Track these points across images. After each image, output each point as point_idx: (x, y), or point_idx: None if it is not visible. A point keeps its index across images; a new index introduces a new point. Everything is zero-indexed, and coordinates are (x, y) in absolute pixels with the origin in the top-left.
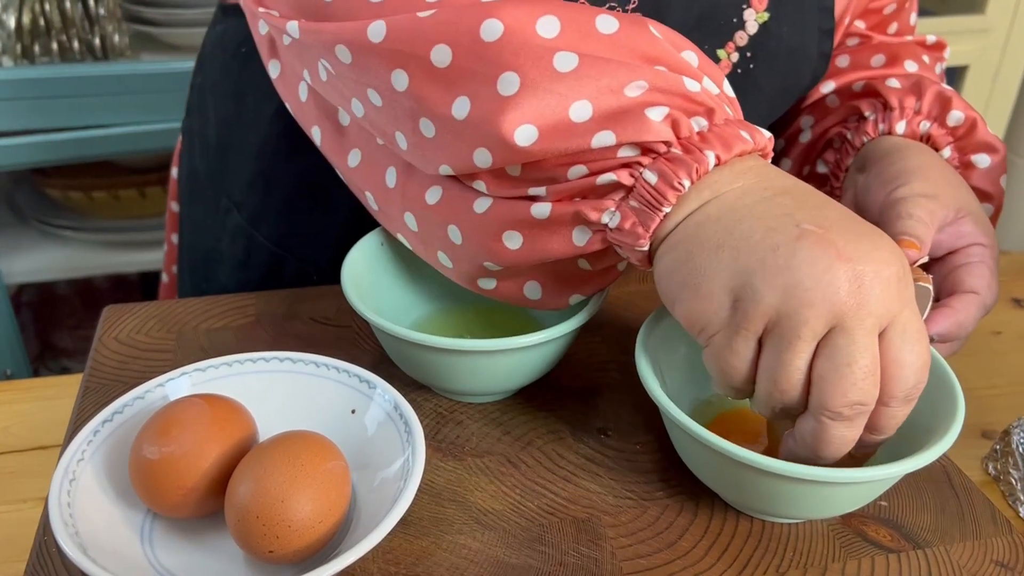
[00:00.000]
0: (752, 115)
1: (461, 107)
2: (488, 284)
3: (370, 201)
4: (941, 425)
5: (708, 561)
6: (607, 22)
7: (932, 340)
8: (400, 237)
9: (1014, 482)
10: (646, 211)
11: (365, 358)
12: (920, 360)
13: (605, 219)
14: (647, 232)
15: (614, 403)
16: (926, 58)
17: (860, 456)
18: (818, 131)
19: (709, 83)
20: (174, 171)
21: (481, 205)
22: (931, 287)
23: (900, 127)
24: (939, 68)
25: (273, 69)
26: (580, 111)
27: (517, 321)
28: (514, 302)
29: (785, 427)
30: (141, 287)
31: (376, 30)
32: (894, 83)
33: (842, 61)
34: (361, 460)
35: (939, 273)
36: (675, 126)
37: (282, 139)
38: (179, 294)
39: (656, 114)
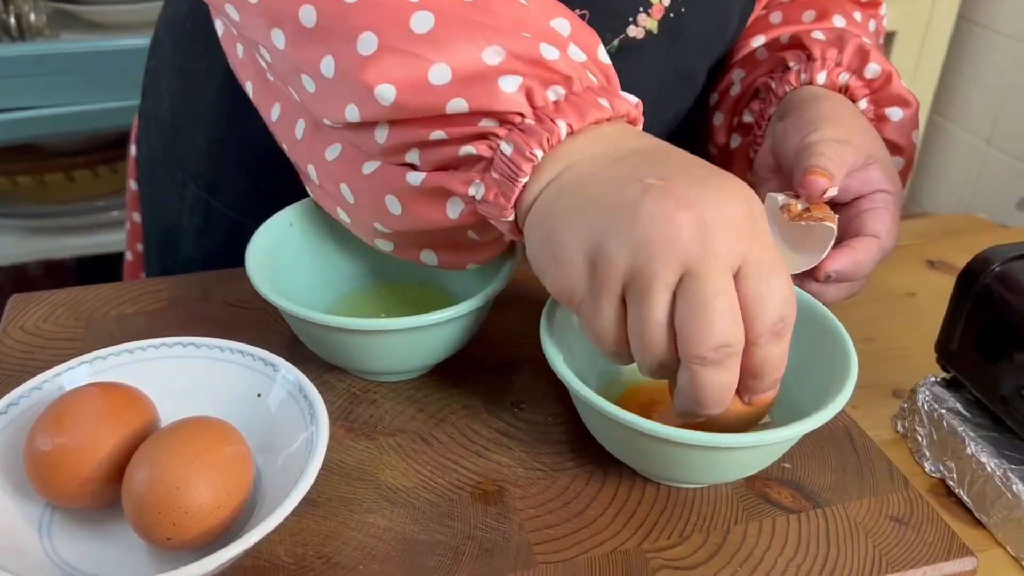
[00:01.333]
0: (685, 58)
1: (327, 65)
2: (385, 246)
3: (287, 151)
4: (835, 386)
5: (614, 528)
6: None
7: (830, 278)
8: (308, 188)
9: (920, 439)
10: (506, 182)
11: (278, 340)
12: (779, 294)
13: (472, 191)
14: (508, 203)
15: (529, 376)
16: (857, 15)
17: (759, 407)
18: (747, 83)
19: (575, 51)
20: (132, 149)
21: (368, 167)
22: (835, 226)
23: (821, 77)
24: (873, 25)
25: (219, 27)
26: (438, 74)
27: (436, 298)
28: (418, 263)
29: None
30: (76, 273)
31: None
32: (819, 35)
33: (775, 17)
34: (267, 443)
35: (844, 217)
36: (529, 95)
37: (231, 105)
38: (147, 273)
39: (509, 84)
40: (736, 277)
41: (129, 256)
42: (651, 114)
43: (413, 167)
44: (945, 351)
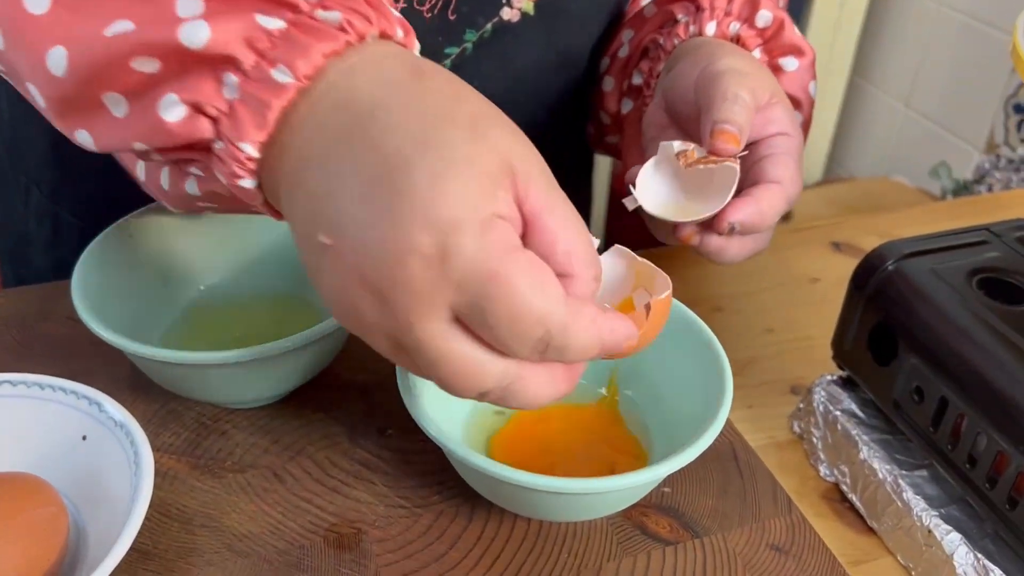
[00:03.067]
0: (565, 38)
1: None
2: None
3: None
4: (709, 418)
5: (478, 572)
6: None
7: (733, 229)
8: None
9: (815, 441)
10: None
11: (124, 363)
12: (519, 324)
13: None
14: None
15: (399, 396)
16: None
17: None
18: (635, 43)
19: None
20: None
21: None
22: (737, 166)
23: (710, 28)
24: None
25: None
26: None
27: (296, 311)
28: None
29: None
30: None
31: None
32: None
33: None
34: (93, 492)
35: (743, 164)
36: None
37: None
38: (3, 283)
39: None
40: (464, 323)
41: None
42: (531, 99)
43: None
44: (840, 350)
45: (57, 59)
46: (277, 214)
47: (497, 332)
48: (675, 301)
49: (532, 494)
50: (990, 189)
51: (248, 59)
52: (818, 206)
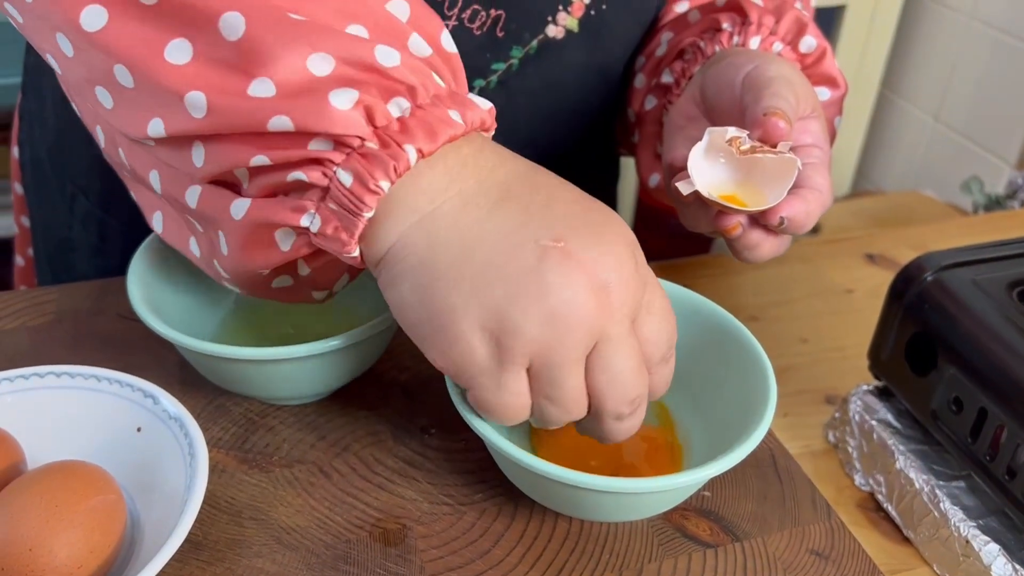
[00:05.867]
0: (606, 55)
1: (123, 74)
2: (232, 285)
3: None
4: (753, 418)
5: (521, 569)
6: None
7: (782, 223)
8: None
9: (850, 450)
10: (347, 215)
11: (174, 358)
12: (669, 325)
13: (305, 222)
14: (352, 238)
15: (442, 396)
16: None
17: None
18: (673, 43)
19: (418, 42)
20: (15, 151)
21: (192, 195)
22: (799, 161)
23: (754, 42)
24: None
25: None
26: (258, 88)
27: (342, 311)
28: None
29: None
30: None
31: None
32: (757, 0)
33: None
34: (147, 482)
35: None
36: (368, 113)
37: None
38: (39, 282)
39: (343, 99)
40: (634, 323)
41: (20, 261)
42: (572, 114)
43: (238, 193)
44: (877, 360)
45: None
46: (362, 264)
47: (652, 334)
48: (718, 307)
49: (576, 492)
50: (1023, 204)
51: (429, 89)
52: (847, 219)
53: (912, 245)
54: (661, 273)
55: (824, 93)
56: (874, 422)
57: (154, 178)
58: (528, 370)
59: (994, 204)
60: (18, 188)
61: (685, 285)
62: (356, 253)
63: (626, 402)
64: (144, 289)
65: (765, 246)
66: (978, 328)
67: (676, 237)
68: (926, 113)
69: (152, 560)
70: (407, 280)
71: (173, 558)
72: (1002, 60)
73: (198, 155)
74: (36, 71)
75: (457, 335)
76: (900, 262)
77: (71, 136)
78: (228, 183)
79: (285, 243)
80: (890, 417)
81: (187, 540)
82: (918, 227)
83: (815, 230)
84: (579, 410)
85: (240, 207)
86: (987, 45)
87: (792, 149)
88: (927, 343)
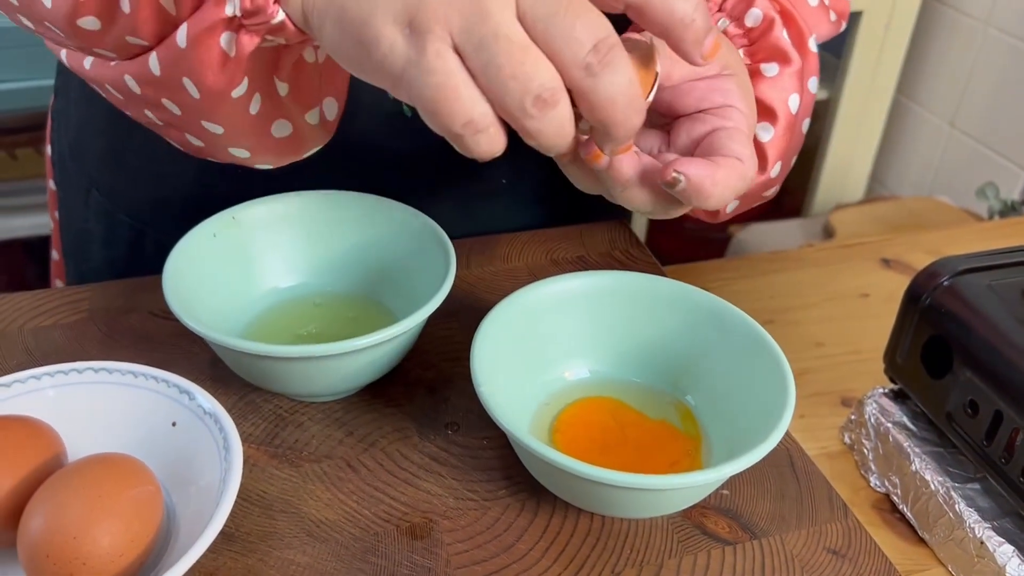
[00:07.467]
0: None
1: None
2: (240, 153)
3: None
4: (772, 416)
5: (544, 564)
6: None
7: (678, 182)
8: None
9: (866, 452)
10: None
11: (204, 355)
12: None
13: (229, 10)
14: (268, 1)
15: (465, 395)
16: None
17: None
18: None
19: None
20: (48, 149)
21: (153, 63)
22: (648, 39)
23: None
24: None
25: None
26: None
27: (369, 310)
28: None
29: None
30: (26, 252)
31: None
32: None
33: None
34: (182, 475)
35: (689, 135)
36: None
37: (121, 112)
38: (66, 277)
39: None
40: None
41: (55, 255)
42: None
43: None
44: (893, 363)
45: None
46: (302, 35)
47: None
48: (738, 310)
49: (597, 487)
50: None
51: None
52: (862, 224)
53: (927, 250)
54: (677, 276)
55: (772, 69)
56: (890, 424)
57: (130, 82)
58: (459, 53)
59: (1009, 210)
60: (51, 184)
61: (700, 288)
62: (282, 16)
63: (591, 37)
64: (178, 290)
65: (636, 192)
66: (993, 332)
67: (691, 241)
68: (942, 119)
69: (188, 551)
70: (327, 17)
71: (208, 549)
72: (1018, 67)
73: (124, 3)
74: (65, 71)
75: (377, 38)
76: (915, 267)
77: (87, 131)
78: (168, 35)
79: (231, 47)
80: (906, 419)
81: (220, 532)
82: (933, 232)
83: (829, 234)
84: (533, 69)
85: (182, 33)
86: (1003, 52)
87: (703, 111)
88: (943, 347)
